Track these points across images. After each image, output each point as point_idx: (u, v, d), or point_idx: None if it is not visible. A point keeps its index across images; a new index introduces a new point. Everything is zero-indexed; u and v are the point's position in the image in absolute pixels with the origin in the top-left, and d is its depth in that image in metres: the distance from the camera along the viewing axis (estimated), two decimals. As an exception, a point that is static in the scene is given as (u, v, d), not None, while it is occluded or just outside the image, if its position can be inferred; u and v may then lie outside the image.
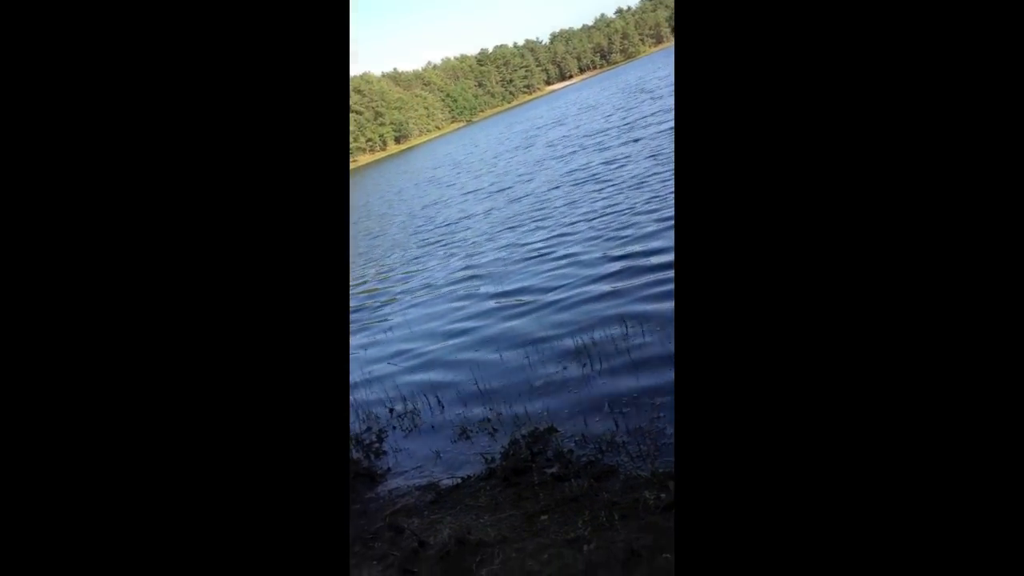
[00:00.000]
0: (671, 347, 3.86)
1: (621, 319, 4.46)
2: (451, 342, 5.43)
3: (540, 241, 7.79)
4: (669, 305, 4.50)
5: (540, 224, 8.71)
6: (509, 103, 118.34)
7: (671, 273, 5.12)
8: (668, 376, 3.49)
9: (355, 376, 5.28)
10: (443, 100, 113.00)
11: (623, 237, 6.57)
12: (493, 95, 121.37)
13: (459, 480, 3.14)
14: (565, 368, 4.07)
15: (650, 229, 6.45)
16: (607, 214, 7.78)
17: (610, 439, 3.04)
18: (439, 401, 4.26)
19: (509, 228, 9.26)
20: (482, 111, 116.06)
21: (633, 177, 9.16)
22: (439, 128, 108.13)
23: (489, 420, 3.74)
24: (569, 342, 4.44)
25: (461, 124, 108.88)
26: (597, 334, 4.38)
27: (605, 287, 5.33)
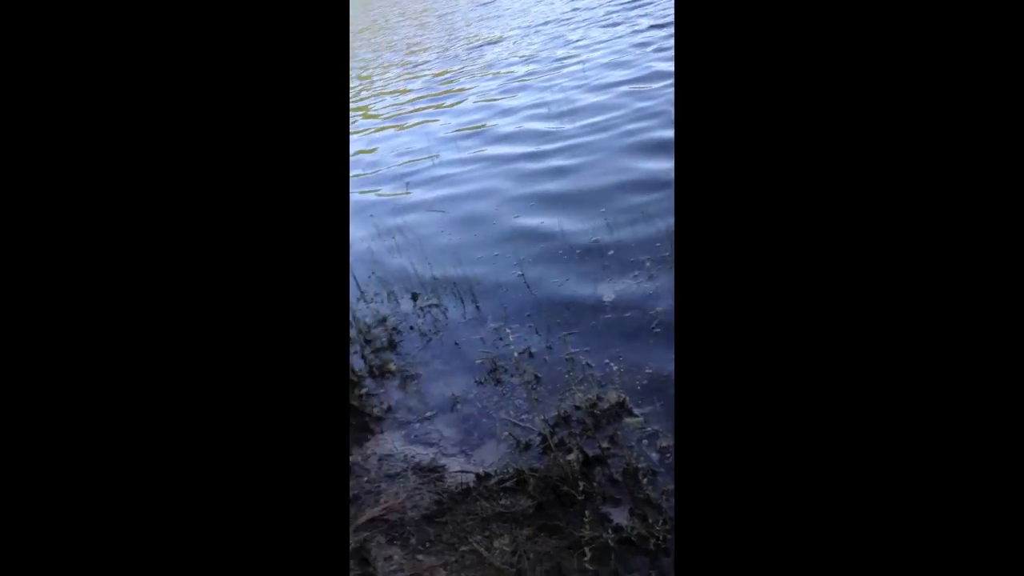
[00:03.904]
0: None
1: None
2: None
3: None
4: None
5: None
6: None
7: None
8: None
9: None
10: None
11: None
12: None
13: (472, 478, 2.06)
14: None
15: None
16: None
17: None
18: (473, 295, 3.08)
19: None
20: None
21: None
22: None
23: (532, 354, 2.57)
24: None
25: None
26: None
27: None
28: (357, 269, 3.71)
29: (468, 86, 7.53)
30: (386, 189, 5.05)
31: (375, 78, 9.81)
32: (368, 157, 6.05)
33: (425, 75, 8.87)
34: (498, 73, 7.63)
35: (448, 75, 8.42)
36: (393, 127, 6.86)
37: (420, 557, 1.82)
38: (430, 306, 3.16)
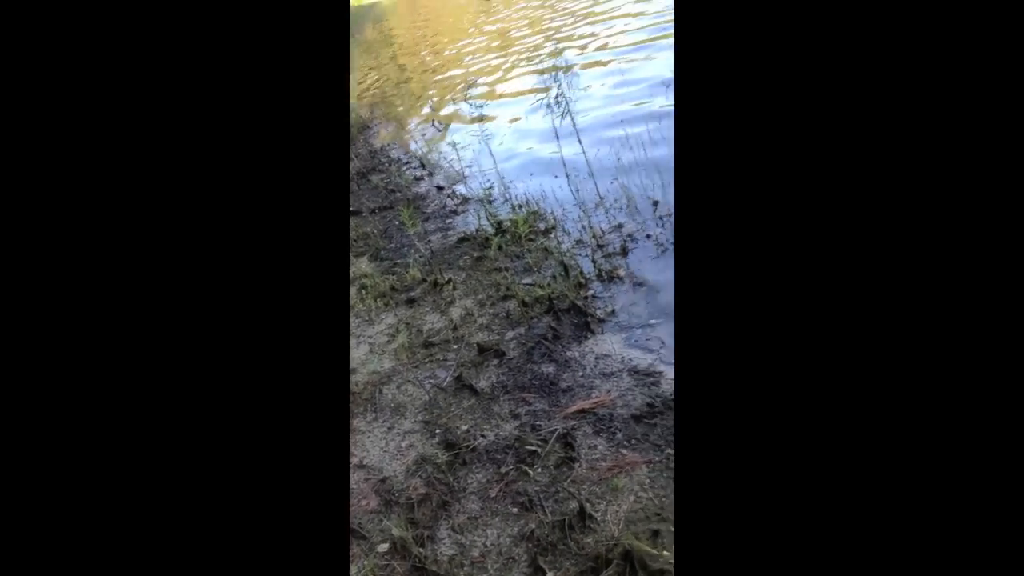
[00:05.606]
0: None
1: None
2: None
3: None
4: None
5: None
6: None
7: None
8: None
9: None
10: None
11: None
12: None
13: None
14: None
15: None
16: None
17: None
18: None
19: None
20: None
21: None
22: None
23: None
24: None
25: None
26: None
27: None
28: (600, 175, 3.67)
29: None
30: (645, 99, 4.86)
31: None
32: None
33: None
34: None
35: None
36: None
37: (624, 451, 1.80)
38: (671, 215, 3.02)
